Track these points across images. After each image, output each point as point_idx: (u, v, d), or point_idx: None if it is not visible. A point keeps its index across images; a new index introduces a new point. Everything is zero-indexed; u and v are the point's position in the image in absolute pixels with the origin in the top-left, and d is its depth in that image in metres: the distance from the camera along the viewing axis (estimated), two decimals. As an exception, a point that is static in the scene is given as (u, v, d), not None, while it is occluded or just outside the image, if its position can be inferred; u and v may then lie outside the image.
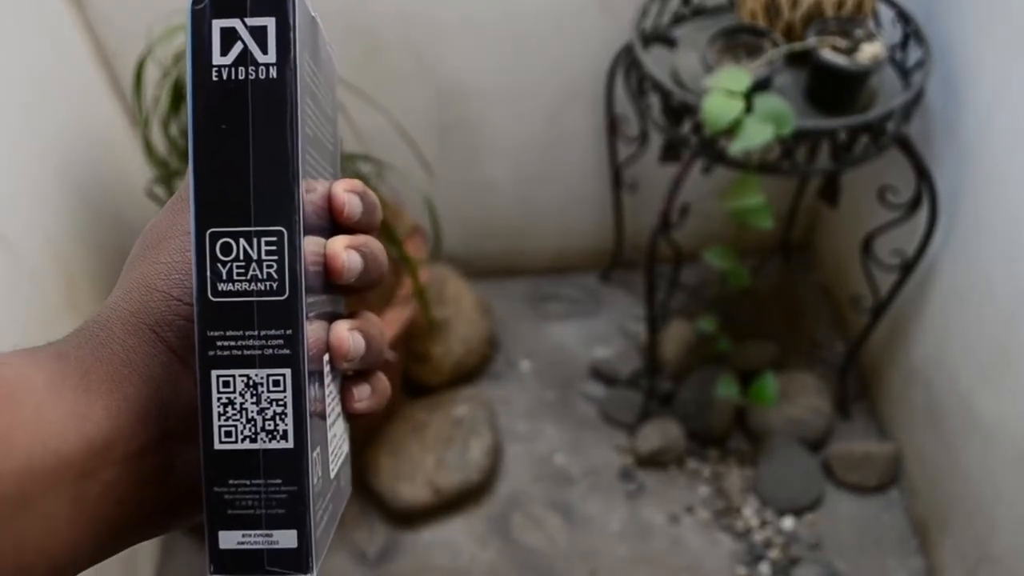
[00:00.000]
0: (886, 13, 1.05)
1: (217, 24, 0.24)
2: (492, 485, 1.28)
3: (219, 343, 0.25)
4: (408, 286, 1.14)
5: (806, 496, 1.23)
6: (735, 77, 0.92)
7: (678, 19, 1.11)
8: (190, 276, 0.26)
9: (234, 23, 0.24)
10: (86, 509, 0.25)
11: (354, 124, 1.10)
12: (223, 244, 0.25)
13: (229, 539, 0.25)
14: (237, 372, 0.25)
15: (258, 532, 0.25)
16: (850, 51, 0.95)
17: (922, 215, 1.06)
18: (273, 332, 0.25)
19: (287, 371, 0.25)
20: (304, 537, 0.25)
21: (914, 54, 1.00)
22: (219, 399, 0.25)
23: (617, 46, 1.17)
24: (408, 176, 1.17)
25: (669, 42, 1.07)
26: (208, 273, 0.25)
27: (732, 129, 0.91)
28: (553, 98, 1.28)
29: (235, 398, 0.25)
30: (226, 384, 0.25)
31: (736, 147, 0.91)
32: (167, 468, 0.27)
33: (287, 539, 0.25)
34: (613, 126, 1.27)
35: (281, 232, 0.25)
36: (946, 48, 1.01)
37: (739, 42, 1.00)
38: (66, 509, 0.24)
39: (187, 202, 0.26)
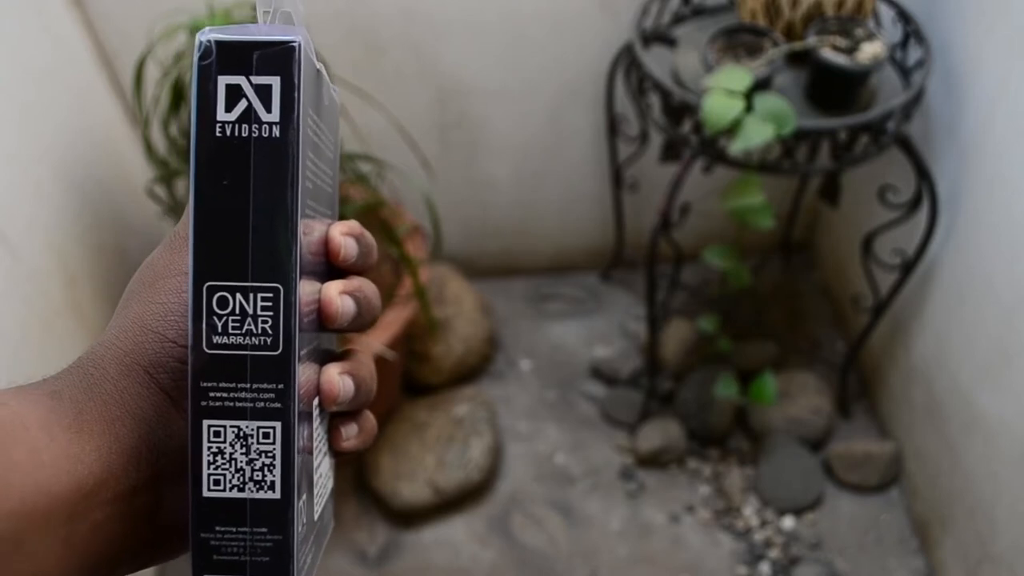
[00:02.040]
0: (886, 12, 1.05)
1: (222, 80, 0.24)
2: (492, 485, 1.28)
3: (212, 394, 0.25)
4: (408, 286, 1.14)
5: (806, 496, 1.23)
6: (735, 77, 0.92)
7: (678, 19, 1.11)
8: (185, 319, 0.27)
9: (239, 80, 0.24)
10: (75, 547, 0.25)
11: (354, 124, 1.10)
12: (220, 298, 0.25)
13: None
14: (228, 423, 0.26)
15: None
16: (850, 50, 0.95)
17: (922, 214, 1.06)
18: (265, 386, 0.25)
19: (277, 424, 0.26)
20: None
21: (914, 53, 1.00)
22: (209, 448, 0.26)
23: (617, 46, 1.17)
24: (408, 176, 1.17)
25: (669, 42, 1.07)
26: (204, 325, 0.25)
27: (732, 129, 0.91)
28: (553, 97, 1.28)
29: (225, 448, 0.26)
30: (217, 434, 0.26)
31: (736, 147, 0.91)
32: (157, 507, 0.27)
33: None
34: (613, 126, 1.27)
35: (277, 289, 0.25)
36: (946, 47, 1.01)
37: (739, 42, 1.00)
38: (56, 548, 0.25)
39: (185, 241, 0.27)
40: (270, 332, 0.25)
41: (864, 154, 0.97)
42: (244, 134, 0.24)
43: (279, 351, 0.25)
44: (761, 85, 0.94)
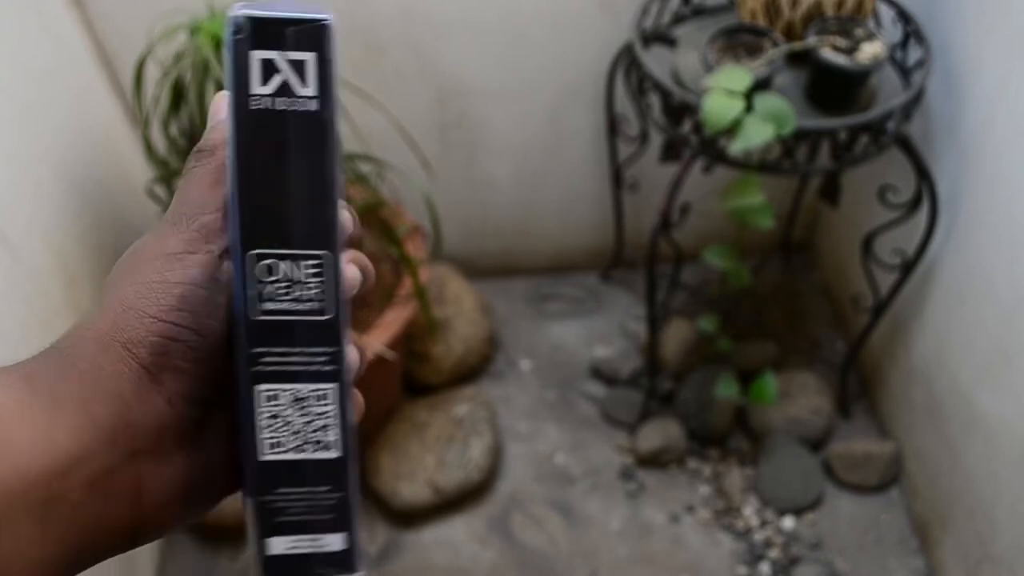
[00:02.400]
0: (886, 12, 1.05)
1: (256, 55, 0.24)
2: (492, 484, 1.28)
3: (264, 359, 0.26)
4: (408, 286, 1.14)
5: (806, 496, 1.23)
6: (735, 77, 0.92)
7: (678, 19, 1.11)
8: (168, 295, 0.27)
9: (273, 55, 0.24)
10: (53, 530, 0.25)
11: (354, 124, 1.10)
12: (265, 266, 0.26)
13: (278, 545, 0.26)
14: (283, 387, 0.26)
15: (307, 537, 0.26)
16: (850, 51, 0.95)
17: (922, 214, 1.06)
18: (318, 350, 0.26)
19: (333, 386, 0.27)
20: (352, 538, 0.27)
21: (914, 53, 1.00)
22: (264, 412, 0.26)
23: (617, 46, 1.17)
24: (408, 176, 1.17)
25: (669, 42, 1.07)
26: (252, 292, 0.26)
27: (732, 129, 0.91)
28: (553, 97, 1.28)
29: (282, 411, 0.26)
30: (271, 398, 0.26)
31: (736, 147, 0.91)
32: (137, 486, 0.27)
33: (336, 542, 0.27)
34: (613, 125, 1.27)
35: (326, 256, 0.26)
36: (946, 47, 1.01)
37: (739, 42, 1.00)
38: (34, 531, 0.24)
39: (172, 227, 0.27)
40: (319, 297, 0.26)
41: (864, 154, 0.97)
42: (281, 108, 0.25)
43: (330, 316, 0.26)
44: (761, 85, 0.94)
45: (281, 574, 0.26)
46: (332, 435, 0.27)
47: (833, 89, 0.96)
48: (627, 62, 1.10)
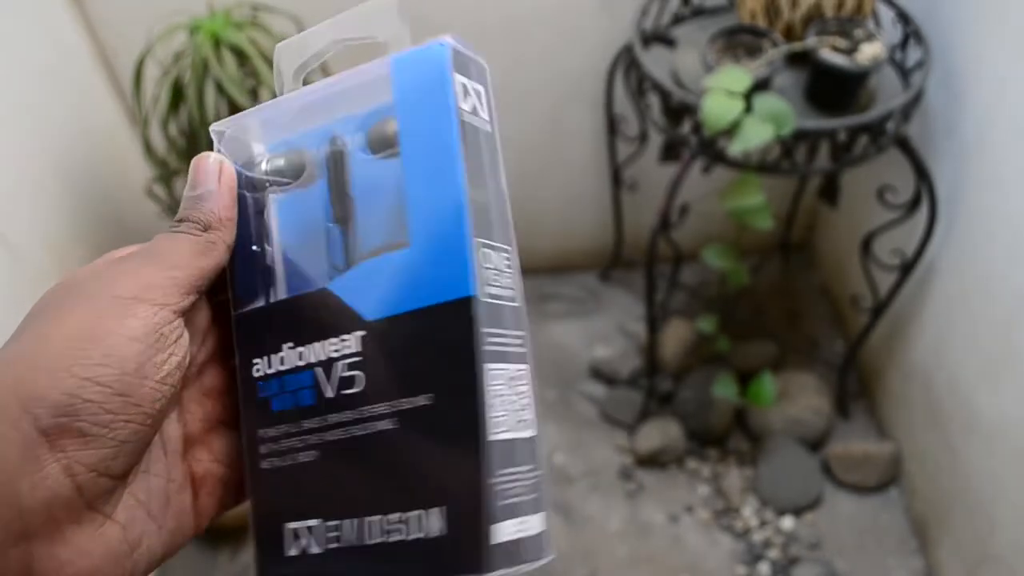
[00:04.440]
0: (886, 13, 1.05)
1: (458, 78, 0.27)
2: (492, 485, 1.28)
3: (490, 339, 0.26)
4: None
5: (806, 496, 1.23)
6: (735, 77, 0.92)
7: (678, 19, 1.11)
8: (93, 344, 0.24)
9: (465, 81, 0.28)
10: None
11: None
12: (485, 253, 0.27)
13: (504, 531, 0.25)
14: (501, 366, 0.27)
15: (522, 520, 0.26)
16: (850, 51, 0.95)
17: (922, 215, 1.06)
18: (517, 332, 0.28)
19: (527, 366, 0.28)
20: (545, 519, 0.26)
21: (914, 54, 1.00)
22: (492, 391, 0.26)
23: (617, 46, 1.17)
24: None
25: (669, 42, 1.07)
26: (483, 273, 0.27)
27: (732, 129, 0.92)
28: (553, 98, 1.28)
29: (502, 391, 0.27)
30: (495, 378, 0.26)
31: (736, 147, 0.91)
32: (27, 571, 0.23)
33: (535, 524, 0.26)
34: (613, 126, 1.27)
35: (510, 250, 0.28)
36: (946, 48, 1.01)
37: (739, 42, 1.00)
38: None
39: (131, 266, 0.26)
40: (511, 286, 0.28)
41: (863, 155, 0.97)
42: (475, 124, 0.28)
43: (520, 303, 0.28)
44: (760, 86, 0.94)
45: (504, 563, 0.25)
46: (530, 414, 0.27)
47: (832, 90, 0.96)
48: (627, 62, 1.10)
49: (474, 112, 0.28)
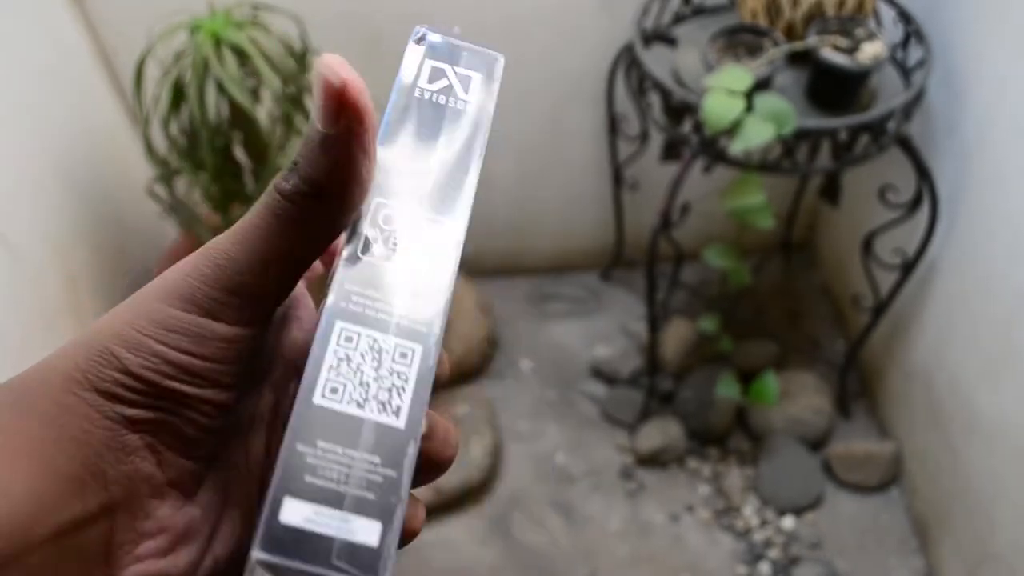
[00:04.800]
0: (887, 12, 1.05)
1: (429, 63, 0.28)
2: (493, 484, 1.28)
3: (355, 297, 0.24)
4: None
5: (806, 495, 1.23)
6: (736, 76, 0.92)
7: (679, 18, 1.11)
8: (163, 334, 0.23)
9: (444, 67, 0.28)
10: None
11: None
12: (386, 216, 0.25)
13: (296, 512, 0.21)
14: (365, 330, 0.23)
15: (335, 513, 0.21)
16: (851, 50, 0.95)
17: (923, 214, 1.06)
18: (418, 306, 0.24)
19: (418, 346, 0.24)
20: (386, 536, 0.21)
21: (915, 53, 1.00)
22: (336, 352, 0.23)
23: (618, 45, 1.17)
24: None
25: (670, 41, 1.07)
26: (364, 237, 0.25)
27: (733, 128, 0.91)
28: (553, 97, 1.28)
29: (354, 356, 0.23)
30: (349, 339, 0.23)
31: (737, 146, 0.91)
32: (111, 542, 0.23)
33: (367, 532, 0.21)
34: (614, 125, 1.27)
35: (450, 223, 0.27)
36: (947, 47, 1.01)
37: (740, 41, 1.00)
38: None
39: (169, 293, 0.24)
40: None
41: (864, 154, 0.97)
42: (441, 102, 0.28)
43: (434, 280, 0.25)
44: (761, 85, 0.94)
45: (287, 552, 0.21)
46: (403, 400, 0.23)
47: (833, 89, 0.96)
48: (627, 61, 1.10)
49: (445, 92, 0.28)
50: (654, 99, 1.03)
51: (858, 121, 0.93)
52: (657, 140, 1.18)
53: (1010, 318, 0.95)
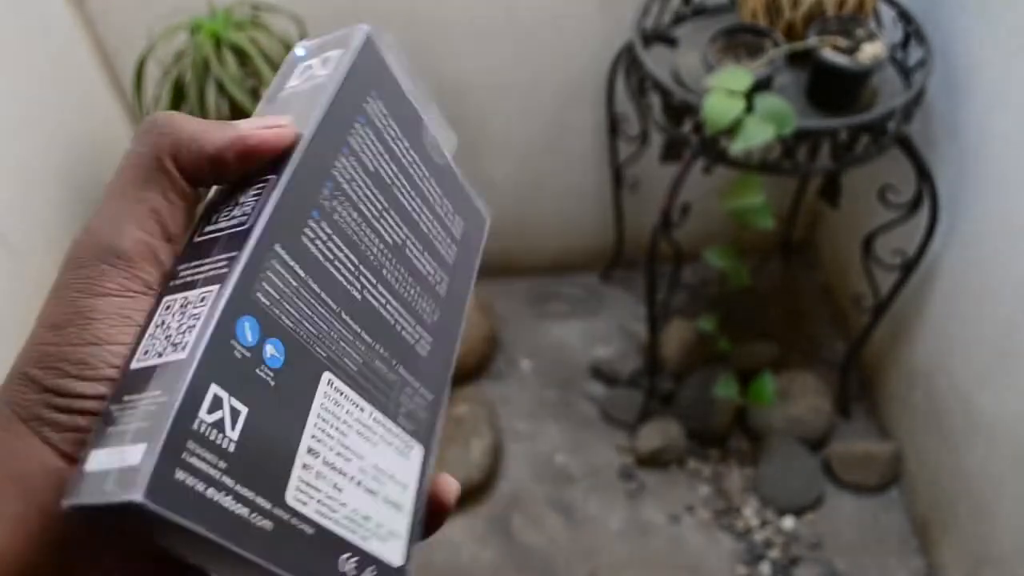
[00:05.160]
0: (887, 13, 1.05)
1: (302, 64, 0.30)
2: (493, 484, 1.28)
3: (182, 273, 0.24)
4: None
5: (806, 496, 1.23)
6: (736, 77, 0.92)
7: (679, 18, 1.11)
8: (88, 350, 0.23)
9: (311, 63, 0.30)
10: None
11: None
12: (222, 192, 0.26)
13: (97, 460, 0.21)
14: (180, 295, 0.23)
15: (117, 449, 0.21)
16: (851, 51, 0.95)
17: (923, 215, 1.06)
18: (222, 256, 0.24)
19: (215, 287, 0.23)
20: (153, 455, 0.20)
21: (915, 54, 1.00)
22: (157, 321, 0.23)
23: (618, 45, 1.17)
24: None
25: (670, 41, 1.07)
26: (200, 223, 0.25)
27: (733, 129, 0.91)
28: (554, 97, 1.28)
29: (169, 319, 0.23)
30: (168, 308, 0.23)
31: (737, 147, 0.91)
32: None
33: (132, 455, 0.20)
34: (614, 125, 1.27)
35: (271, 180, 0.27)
36: (947, 48, 1.01)
37: (740, 42, 1.00)
38: None
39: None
40: (250, 212, 0.25)
41: (865, 154, 0.97)
42: (295, 84, 0.30)
43: (247, 226, 0.24)
44: (762, 85, 0.94)
45: (86, 493, 0.20)
46: (190, 336, 0.22)
47: (834, 89, 0.96)
48: (628, 62, 1.10)
49: (303, 75, 0.29)
50: (654, 99, 1.03)
51: (858, 121, 0.93)
52: (657, 140, 1.18)
53: (1010, 318, 0.95)
